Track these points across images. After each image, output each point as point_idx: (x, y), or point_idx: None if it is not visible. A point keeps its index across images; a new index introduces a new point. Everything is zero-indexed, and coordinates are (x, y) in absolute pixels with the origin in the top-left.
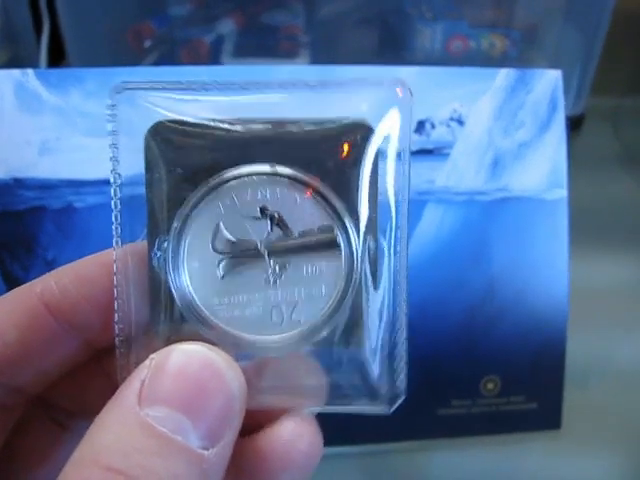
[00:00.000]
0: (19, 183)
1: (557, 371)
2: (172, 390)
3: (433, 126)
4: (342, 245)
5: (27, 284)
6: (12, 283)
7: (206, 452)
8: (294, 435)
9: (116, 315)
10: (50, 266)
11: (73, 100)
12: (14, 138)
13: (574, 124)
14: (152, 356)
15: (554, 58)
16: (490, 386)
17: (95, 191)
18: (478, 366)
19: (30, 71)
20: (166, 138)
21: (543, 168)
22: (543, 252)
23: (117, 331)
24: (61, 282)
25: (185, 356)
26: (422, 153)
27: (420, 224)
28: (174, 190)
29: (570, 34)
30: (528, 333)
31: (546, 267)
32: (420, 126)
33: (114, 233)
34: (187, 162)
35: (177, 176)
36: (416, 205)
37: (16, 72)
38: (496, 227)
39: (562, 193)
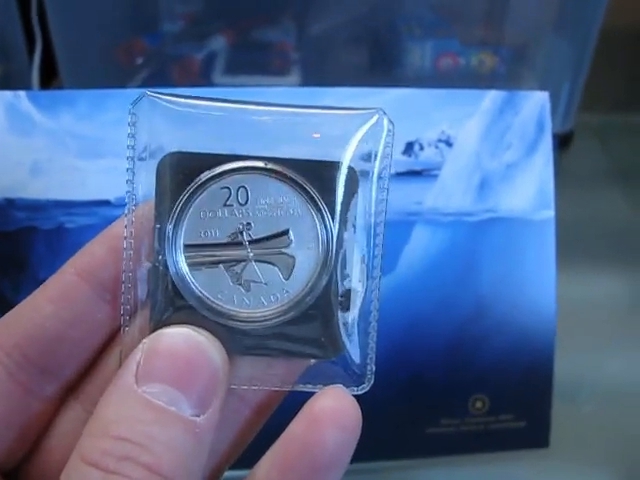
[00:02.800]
0: (10, 203)
1: (545, 389)
2: (164, 368)
3: (421, 147)
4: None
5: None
6: (2, 303)
7: (197, 419)
8: (338, 401)
9: (122, 297)
10: None
11: (64, 122)
12: (5, 159)
13: (563, 141)
14: (144, 341)
15: (543, 75)
16: (479, 405)
17: (86, 212)
18: (466, 385)
19: (22, 93)
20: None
21: (530, 189)
22: (531, 272)
23: (122, 311)
24: (93, 251)
25: (173, 338)
26: (410, 174)
27: (408, 245)
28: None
29: (559, 51)
30: (516, 352)
31: (534, 286)
32: (409, 147)
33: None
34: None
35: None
36: (404, 226)
37: (8, 94)
38: (484, 247)
39: (549, 214)
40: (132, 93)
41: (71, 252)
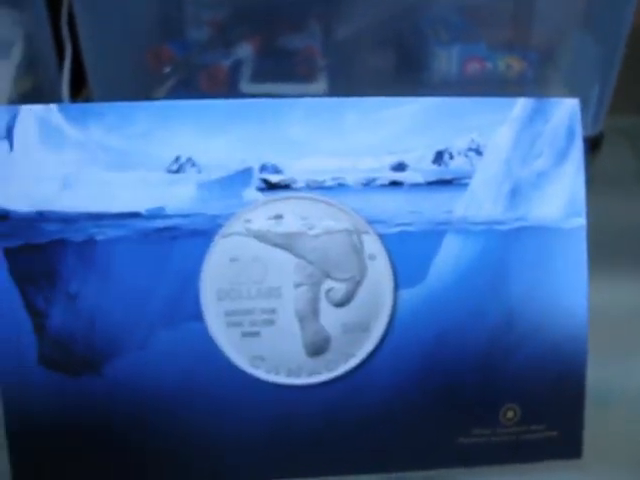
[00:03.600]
0: (41, 216)
1: (577, 399)
2: None
3: (451, 156)
4: None
5: None
6: (36, 316)
7: None
8: None
9: None
10: (73, 299)
11: (94, 134)
12: (37, 172)
13: (593, 144)
14: None
15: (571, 78)
16: (510, 414)
17: (116, 224)
18: (498, 395)
19: (53, 106)
20: None
21: (561, 197)
22: (562, 281)
23: None
24: None
25: None
26: (440, 183)
27: (439, 255)
28: None
29: (587, 53)
30: (547, 362)
31: (565, 295)
32: (438, 156)
33: None
34: None
35: None
36: (435, 236)
37: (39, 108)
38: (515, 256)
39: (581, 222)
40: (160, 105)
41: (101, 265)
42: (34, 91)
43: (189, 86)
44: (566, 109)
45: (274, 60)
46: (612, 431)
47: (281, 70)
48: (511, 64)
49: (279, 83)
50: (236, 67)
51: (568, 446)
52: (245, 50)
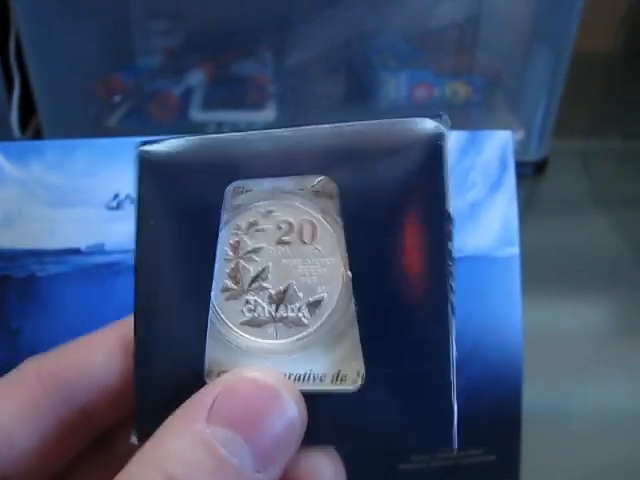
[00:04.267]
0: None
1: (514, 423)
2: (238, 414)
3: None
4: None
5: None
6: None
7: (256, 476)
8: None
9: None
10: (14, 336)
11: (34, 172)
12: None
13: (538, 168)
14: (226, 376)
15: (516, 103)
16: None
17: (57, 260)
18: None
19: None
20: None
21: (495, 227)
22: (497, 308)
23: None
24: (61, 364)
25: (255, 384)
26: None
27: None
28: None
29: (532, 78)
30: (484, 387)
31: (500, 323)
32: None
33: None
34: None
35: None
36: None
37: None
38: None
39: (514, 250)
40: (100, 143)
41: (42, 300)
42: None
43: (140, 114)
44: (499, 140)
45: (225, 87)
46: (551, 453)
47: (232, 97)
48: (457, 89)
49: (229, 110)
50: (187, 94)
51: (506, 469)
52: (196, 77)
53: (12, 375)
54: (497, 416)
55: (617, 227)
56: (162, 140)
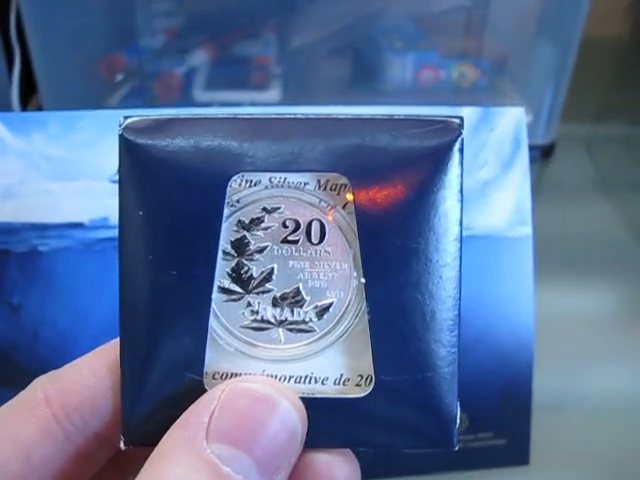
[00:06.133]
0: None
1: (525, 407)
2: (238, 428)
3: None
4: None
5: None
6: None
7: None
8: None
9: None
10: (15, 311)
11: (36, 144)
12: None
13: (545, 152)
14: (221, 387)
15: (525, 87)
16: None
17: (59, 235)
18: None
19: None
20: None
21: (507, 206)
22: (509, 289)
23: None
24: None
25: (252, 395)
26: None
27: None
28: None
29: (540, 62)
30: (494, 370)
31: (511, 304)
32: None
33: None
34: None
35: None
36: None
37: None
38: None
39: (527, 230)
40: (104, 115)
41: (44, 275)
42: None
43: (142, 94)
44: (511, 117)
45: (228, 68)
46: (560, 438)
47: (235, 78)
48: (464, 72)
49: (233, 91)
50: (190, 74)
51: (516, 453)
52: (199, 57)
53: (23, 399)
54: (507, 399)
55: (622, 212)
56: (150, 117)
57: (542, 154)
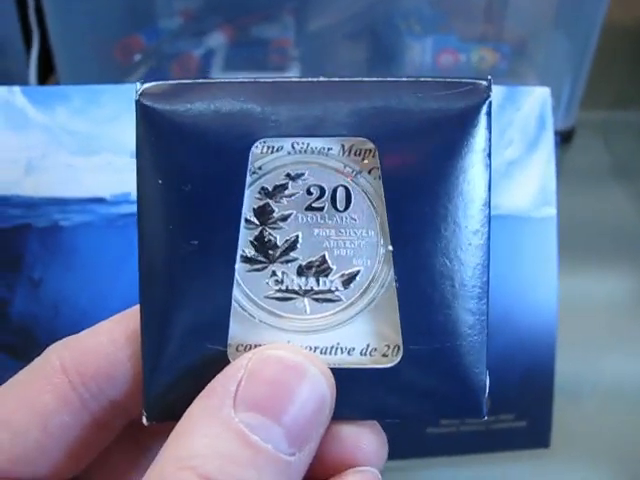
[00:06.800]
0: (4, 201)
1: (546, 390)
2: (266, 397)
3: None
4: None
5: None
6: None
7: (293, 458)
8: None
9: None
10: (37, 286)
11: (59, 118)
12: (0, 156)
13: (565, 138)
14: (248, 356)
15: (544, 72)
16: None
17: (81, 209)
18: None
19: (17, 88)
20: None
21: (532, 186)
22: (532, 271)
23: None
24: (84, 355)
25: (280, 363)
26: None
27: None
28: None
29: (560, 47)
30: (517, 351)
31: (535, 286)
32: None
33: None
34: None
35: None
36: None
37: (3, 89)
38: None
39: (551, 211)
40: (127, 89)
41: (66, 251)
42: (0, 78)
43: (160, 75)
44: (538, 97)
45: (246, 49)
46: (580, 422)
47: (253, 60)
48: (484, 56)
49: (251, 72)
50: (208, 56)
51: (536, 436)
52: (217, 39)
53: (38, 366)
54: (529, 382)
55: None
56: (168, 82)
57: (562, 139)
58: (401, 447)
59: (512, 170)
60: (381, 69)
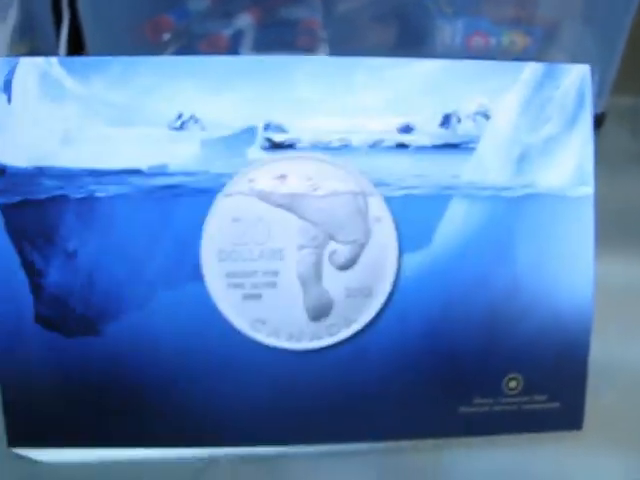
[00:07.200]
0: (40, 172)
1: (580, 370)
2: None
3: (459, 120)
4: None
5: None
6: (33, 274)
7: None
8: None
9: None
10: (71, 258)
11: (96, 88)
12: (36, 126)
13: (596, 122)
14: None
15: (574, 57)
16: (513, 384)
17: (117, 181)
18: (501, 364)
19: (54, 59)
20: None
21: (569, 164)
22: (568, 250)
23: None
24: None
25: None
26: (447, 147)
27: (444, 219)
28: None
29: (591, 32)
30: (552, 331)
31: (571, 265)
32: (446, 119)
33: None
34: None
35: None
36: (440, 200)
37: (40, 60)
38: (521, 223)
39: (588, 190)
40: (164, 60)
41: (101, 222)
42: (30, 56)
43: (189, 55)
44: (577, 75)
45: (275, 31)
46: (614, 404)
47: (282, 41)
48: (515, 40)
49: (279, 53)
50: (237, 37)
51: (569, 417)
52: (245, 20)
53: None
54: (563, 362)
55: None
56: None
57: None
58: (433, 426)
59: (550, 147)
60: (410, 51)
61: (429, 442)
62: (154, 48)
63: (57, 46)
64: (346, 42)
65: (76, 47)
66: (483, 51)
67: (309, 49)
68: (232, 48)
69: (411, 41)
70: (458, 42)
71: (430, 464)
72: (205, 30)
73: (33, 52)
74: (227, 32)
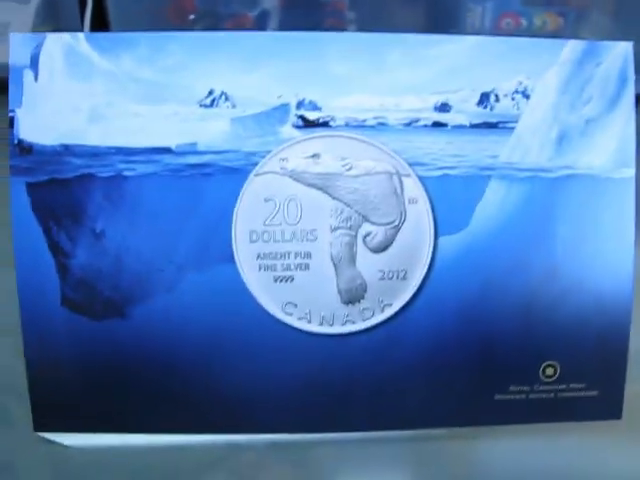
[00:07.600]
0: (67, 150)
1: (619, 358)
2: None
3: (497, 99)
4: None
5: None
6: (59, 255)
7: None
8: None
9: None
10: (99, 238)
11: (125, 65)
12: (63, 104)
13: (637, 103)
14: None
15: (608, 38)
16: (550, 372)
17: (146, 159)
18: (538, 350)
19: (81, 35)
20: None
21: (610, 146)
22: (608, 233)
23: None
24: None
25: None
26: (485, 126)
27: (482, 201)
28: None
29: (626, 12)
30: (591, 317)
31: (611, 248)
32: (484, 98)
33: None
34: None
35: None
36: (478, 181)
37: (66, 35)
38: (560, 205)
39: (630, 172)
40: (194, 36)
41: (129, 201)
42: None
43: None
44: (619, 53)
45: (301, 11)
46: None
47: (309, 22)
48: (547, 21)
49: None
50: (262, 17)
51: (608, 406)
52: (271, 1)
53: None
54: (602, 350)
55: None
56: None
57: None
58: (468, 414)
59: (590, 128)
60: (439, 32)
61: (464, 430)
62: (179, 29)
63: (81, 29)
64: (374, 24)
65: (100, 27)
66: (514, 32)
67: (336, 30)
68: (257, 29)
69: (440, 23)
70: (488, 23)
71: (465, 452)
72: (230, 11)
73: (57, 31)
74: (252, 13)
